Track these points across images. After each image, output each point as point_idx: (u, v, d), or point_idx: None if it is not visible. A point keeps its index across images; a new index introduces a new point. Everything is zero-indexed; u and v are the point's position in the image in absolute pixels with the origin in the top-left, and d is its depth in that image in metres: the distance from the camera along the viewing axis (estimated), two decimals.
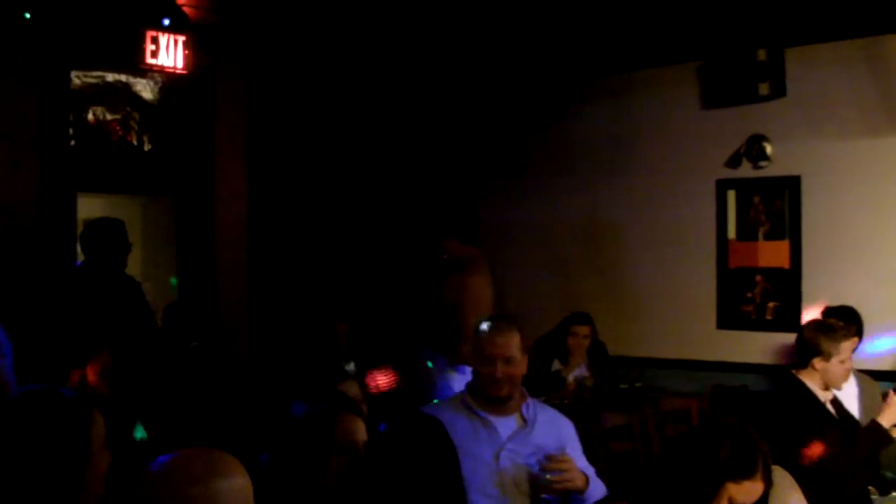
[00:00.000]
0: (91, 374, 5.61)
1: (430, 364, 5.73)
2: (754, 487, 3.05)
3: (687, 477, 3.07)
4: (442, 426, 3.29)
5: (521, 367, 3.99)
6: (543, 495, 3.83)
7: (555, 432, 4.03)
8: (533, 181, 8.60)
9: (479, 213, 8.82)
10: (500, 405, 3.97)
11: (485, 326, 4.04)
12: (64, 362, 5.60)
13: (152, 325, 6.31)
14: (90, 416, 2.68)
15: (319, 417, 3.28)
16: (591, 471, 3.97)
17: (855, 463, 4.56)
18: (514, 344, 3.97)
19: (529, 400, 4.09)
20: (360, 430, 3.29)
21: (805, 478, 3.67)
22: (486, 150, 8.91)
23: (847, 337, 4.93)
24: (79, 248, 6.23)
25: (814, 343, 4.82)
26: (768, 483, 3.09)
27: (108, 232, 6.01)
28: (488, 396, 3.95)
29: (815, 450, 4.47)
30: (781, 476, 3.49)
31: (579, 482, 3.77)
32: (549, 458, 3.73)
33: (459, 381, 5.05)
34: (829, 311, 5.99)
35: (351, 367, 5.77)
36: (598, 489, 3.93)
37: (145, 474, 2.36)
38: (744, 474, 3.03)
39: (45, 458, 2.57)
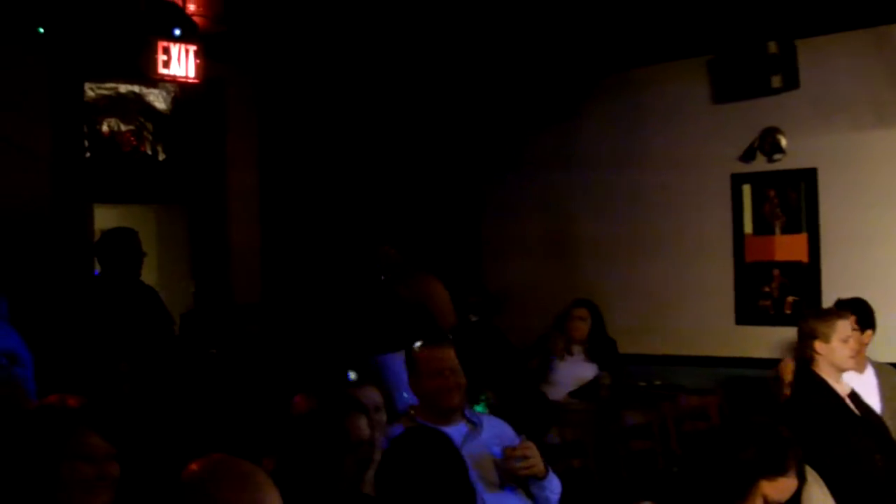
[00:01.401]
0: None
1: (389, 374, 5.82)
2: (788, 484, 3.05)
3: (719, 476, 3.08)
4: (449, 439, 3.34)
5: (463, 377, 4.25)
6: (509, 483, 4.03)
7: (498, 430, 4.29)
8: (544, 178, 8.58)
9: (489, 206, 8.94)
10: (450, 415, 4.19)
11: (420, 344, 4.31)
12: (84, 372, 5.64)
13: (171, 333, 6.35)
14: (71, 432, 2.71)
15: (329, 416, 3.31)
16: None
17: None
18: (453, 356, 4.25)
19: (467, 408, 4.37)
20: (367, 428, 3.35)
21: (835, 477, 3.66)
22: (496, 148, 8.91)
23: (840, 316, 4.97)
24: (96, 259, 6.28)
25: (810, 329, 4.88)
26: (801, 479, 3.09)
27: (121, 242, 6.05)
28: (441, 408, 4.17)
29: None
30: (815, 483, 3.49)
31: (542, 467, 3.98)
32: (513, 447, 3.95)
33: None
34: (839, 304, 5.97)
35: (352, 376, 5.75)
36: (554, 478, 4.13)
37: (185, 480, 2.39)
38: (777, 471, 3.03)
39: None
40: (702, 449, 3.35)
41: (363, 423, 3.44)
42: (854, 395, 4.94)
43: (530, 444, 3.98)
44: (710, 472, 3.13)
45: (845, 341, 4.87)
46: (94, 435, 2.74)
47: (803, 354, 5.00)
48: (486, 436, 4.18)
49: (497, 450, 4.04)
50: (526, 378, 7.50)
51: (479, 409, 4.79)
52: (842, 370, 4.93)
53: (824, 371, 4.87)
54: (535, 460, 3.95)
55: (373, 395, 4.07)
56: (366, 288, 6.28)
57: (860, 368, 5.39)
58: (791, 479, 3.06)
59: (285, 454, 3.20)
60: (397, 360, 5.72)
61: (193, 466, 2.51)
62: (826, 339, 4.84)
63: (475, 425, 4.24)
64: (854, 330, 5.08)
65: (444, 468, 3.11)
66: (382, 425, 3.97)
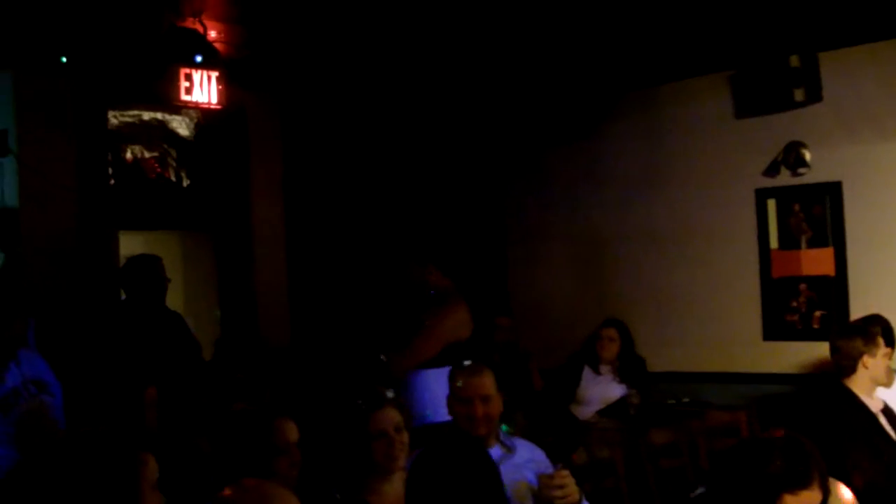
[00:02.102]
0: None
1: (414, 391, 5.84)
2: (812, 497, 3.03)
3: (743, 491, 3.05)
4: (483, 446, 3.36)
5: (497, 405, 4.25)
6: None
7: (530, 452, 4.31)
8: (567, 194, 8.58)
9: (513, 226, 8.94)
10: (482, 440, 4.16)
11: (460, 369, 4.34)
12: (112, 399, 5.66)
13: (198, 358, 6.37)
14: (139, 456, 2.70)
15: (255, 418, 3.35)
16: None
17: None
18: (489, 384, 4.25)
19: (502, 433, 4.36)
20: (293, 431, 3.36)
21: (866, 493, 3.63)
22: (521, 166, 8.92)
23: (878, 331, 5.00)
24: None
25: (853, 347, 4.87)
26: (825, 492, 3.06)
27: (145, 268, 6.09)
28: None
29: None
30: (834, 484, 3.47)
31: (577, 496, 3.91)
32: (550, 475, 3.89)
33: None
34: (862, 321, 5.94)
35: (390, 393, 5.75)
36: None
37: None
38: (800, 485, 3.01)
39: (94, 499, 2.58)
40: (725, 464, 3.33)
41: (290, 427, 3.46)
42: (887, 411, 4.92)
43: (566, 472, 3.93)
44: (734, 487, 3.11)
45: (886, 356, 4.93)
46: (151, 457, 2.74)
47: (839, 370, 4.98)
48: (519, 460, 4.19)
49: (530, 474, 4.03)
50: (554, 398, 7.51)
51: (504, 429, 4.76)
52: (880, 384, 4.93)
53: (859, 386, 4.85)
54: (571, 489, 3.91)
55: (393, 416, 4.05)
56: (408, 304, 6.27)
57: (889, 382, 5.37)
58: (815, 493, 3.04)
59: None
60: (428, 377, 5.74)
61: (226, 492, 2.51)
62: (872, 355, 4.85)
63: (509, 449, 4.25)
64: None
65: (479, 472, 3.11)
66: (405, 445, 3.94)
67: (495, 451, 4.11)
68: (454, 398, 4.29)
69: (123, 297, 6.32)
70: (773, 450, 3.08)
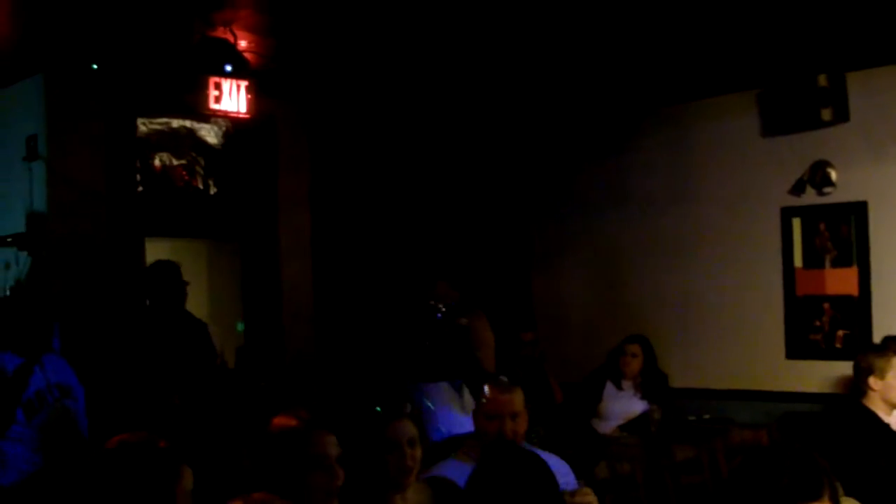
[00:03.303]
0: None
1: (429, 405, 5.90)
2: None
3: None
4: (544, 462, 3.29)
5: (524, 422, 4.22)
6: None
7: (555, 466, 3.91)
8: (594, 212, 8.60)
9: (538, 241, 8.95)
10: None
11: (489, 386, 4.27)
12: (136, 405, 5.70)
13: (213, 366, 6.39)
14: (179, 469, 2.72)
15: (293, 433, 3.34)
16: None
17: None
18: (519, 401, 4.21)
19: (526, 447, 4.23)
20: (332, 444, 3.34)
21: None
22: (546, 184, 8.94)
23: (891, 354, 4.97)
24: None
25: (866, 364, 4.87)
26: None
27: (163, 274, 6.13)
28: None
29: None
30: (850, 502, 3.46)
31: None
32: (573, 492, 3.75)
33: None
34: (885, 341, 5.93)
35: (408, 408, 5.80)
36: None
37: None
38: (810, 497, 3.01)
39: None
40: (734, 480, 3.32)
41: (330, 440, 3.41)
42: None
43: (588, 490, 3.83)
44: (746, 498, 3.11)
45: None
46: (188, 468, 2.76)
47: (857, 388, 4.98)
48: None
49: None
50: (575, 412, 7.51)
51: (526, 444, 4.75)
52: (894, 406, 4.91)
53: (876, 406, 4.85)
54: None
55: (409, 428, 4.02)
56: (420, 318, 6.33)
57: None
58: None
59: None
60: (439, 390, 5.78)
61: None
62: (881, 376, 4.85)
63: None
64: None
65: (542, 486, 3.11)
66: (417, 460, 3.92)
67: None
68: (482, 414, 4.25)
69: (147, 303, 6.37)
70: (784, 462, 3.09)
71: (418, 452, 3.73)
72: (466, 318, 6.16)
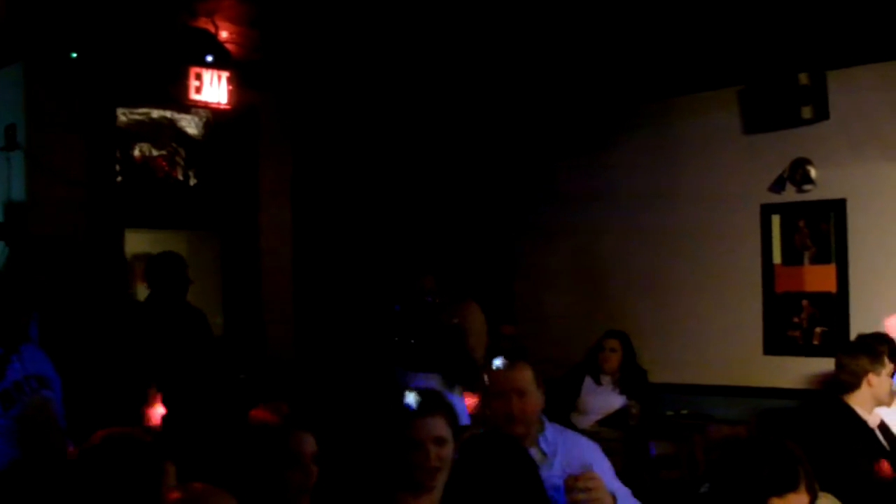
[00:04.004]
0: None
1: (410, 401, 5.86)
2: (799, 500, 3.06)
3: (731, 497, 3.07)
4: (520, 444, 3.19)
5: (535, 401, 3.95)
6: None
7: (577, 458, 3.85)
8: (576, 208, 8.61)
9: (521, 236, 8.96)
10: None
11: (497, 362, 4.02)
12: (113, 395, 5.67)
13: (213, 357, 6.39)
14: (163, 466, 2.70)
15: (272, 429, 3.28)
16: (623, 491, 3.86)
17: None
18: (526, 377, 3.95)
19: (548, 430, 4.02)
20: (310, 442, 3.27)
21: None
22: (528, 179, 8.94)
23: (884, 350, 5.02)
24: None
25: (860, 365, 4.89)
26: (813, 495, 3.09)
27: (168, 266, 6.12)
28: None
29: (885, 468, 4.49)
30: (831, 502, 3.48)
31: (608, 500, 3.57)
32: (576, 477, 3.54)
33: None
34: (862, 339, 5.94)
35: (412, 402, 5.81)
36: None
37: None
38: (787, 488, 3.04)
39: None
40: (712, 472, 3.33)
41: (307, 438, 3.31)
42: (883, 427, 4.95)
43: (594, 474, 3.58)
44: (722, 494, 3.12)
45: (890, 375, 4.95)
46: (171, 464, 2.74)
47: (840, 385, 5.00)
48: (558, 466, 3.85)
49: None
50: (554, 407, 7.51)
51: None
52: (882, 404, 4.96)
53: (859, 403, 4.88)
54: (599, 493, 3.54)
55: (439, 426, 3.63)
56: (406, 312, 6.31)
57: (891, 402, 5.38)
58: (802, 496, 3.06)
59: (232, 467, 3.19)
60: (420, 382, 5.76)
61: (174, 495, 2.50)
62: (878, 374, 4.89)
63: (545, 455, 3.91)
64: None
65: (516, 473, 3.01)
66: (444, 462, 3.59)
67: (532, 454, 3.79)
68: (490, 394, 3.98)
69: (138, 294, 6.35)
70: (761, 454, 3.11)
71: (446, 454, 3.32)
72: (457, 314, 6.10)
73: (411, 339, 6.12)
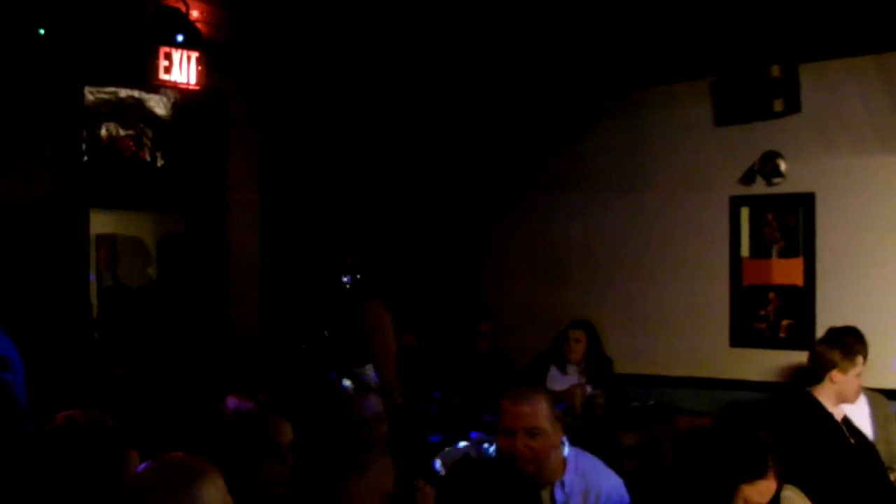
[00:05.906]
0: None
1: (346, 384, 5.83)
2: (768, 486, 3.10)
3: (701, 485, 3.08)
4: (517, 476, 2.90)
5: (549, 439, 3.55)
6: None
7: (593, 484, 3.64)
8: (544, 199, 8.61)
9: (491, 230, 8.93)
10: None
11: (507, 395, 3.61)
12: (78, 379, 5.62)
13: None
14: (125, 453, 2.66)
15: (249, 417, 3.26)
16: None
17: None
18: (539, 413, 3.53)
19: (568, 475, 3.66)
20: (287, 431, 3.27)
21: (823, 499, 3.66)
22: (498, 169, 8.93)
23: (861, 351, 5.01)
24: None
25: (829, 357, 4.90)
26: (780, 481, 3.11)
27: (174, 246, 6.11)
28: None
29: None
30: (796, 494, 3.49)
31: None
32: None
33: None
34: (834, 332, 5.95)
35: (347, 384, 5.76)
36: None
37: (127, 483, 2.35)
38: (756, 475, 3.07)
39: (75, 491, 2.55)
40: (681, 460, 3.34)
41: (285, 426, 3.31)
42: (847, 421, 4.97)
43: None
44: (691, 482, 3.14)
45: (858, 377, 4.96)
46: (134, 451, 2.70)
47: (810, 378, 5.01)
48: None
49: None
50: None
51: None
52: (845, 401, 4.97)
53: (825, 397, 4.90)
54: None
55: (376, 403, 3.86)
56: (328, 298, 6.29)
57: (855, 400, 5.39)
58: (770, 482, 3.11)
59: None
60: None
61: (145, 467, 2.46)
62: (843, 371, 4.90)
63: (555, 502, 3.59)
64: None
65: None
66: (383, 435, 3.77)
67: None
68: (498, 430, 3.58)
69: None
70: (730, 442, 3.13)
71: (384, 428, 3.61)
72: (362, 309, 6.03)
73: (327, 327, 6.07)
